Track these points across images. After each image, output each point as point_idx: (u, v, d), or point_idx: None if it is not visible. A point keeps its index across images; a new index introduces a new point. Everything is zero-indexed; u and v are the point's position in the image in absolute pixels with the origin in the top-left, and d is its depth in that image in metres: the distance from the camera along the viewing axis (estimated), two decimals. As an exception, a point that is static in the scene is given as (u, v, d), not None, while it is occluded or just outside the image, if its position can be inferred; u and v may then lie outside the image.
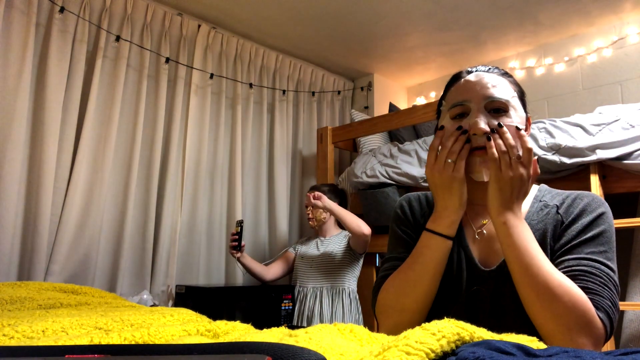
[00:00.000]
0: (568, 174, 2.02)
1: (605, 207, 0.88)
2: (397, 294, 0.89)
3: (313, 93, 3.41)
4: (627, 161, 1.86)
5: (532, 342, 0.42)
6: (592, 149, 1.91)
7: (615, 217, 1.97)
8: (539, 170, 0.83)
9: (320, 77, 3.49)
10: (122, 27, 2.45)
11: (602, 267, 0.80)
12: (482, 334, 0.40)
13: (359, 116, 3.32)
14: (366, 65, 3.51)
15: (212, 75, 2.80)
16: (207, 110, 2.76)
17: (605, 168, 1.96)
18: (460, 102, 0.91)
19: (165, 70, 2.59)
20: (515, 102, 0.91)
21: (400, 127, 2.84)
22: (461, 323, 0.40)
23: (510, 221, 0.82)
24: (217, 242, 2.76)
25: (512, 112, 0.88)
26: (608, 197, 1.99)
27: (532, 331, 0.79)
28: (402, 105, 3.81)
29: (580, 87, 2.91)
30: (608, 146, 1.88)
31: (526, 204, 0.94)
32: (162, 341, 0.54)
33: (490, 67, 0.95)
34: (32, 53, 2.12)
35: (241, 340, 0.48)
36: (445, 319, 0.41)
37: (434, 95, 3.66)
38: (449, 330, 0.37)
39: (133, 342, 0.51)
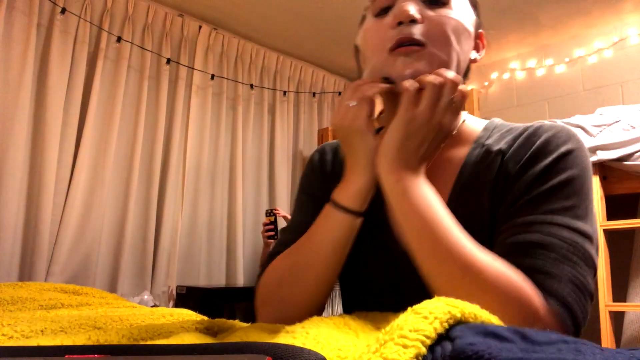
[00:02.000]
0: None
1: (576, 142, 0.61)
2: (280, 282, 0.67)
3: (314, 94, 3.41)
4: (627, 162, 1.86)
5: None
6: (593, 150, 1.91)
7: (616, 218, 1.98)
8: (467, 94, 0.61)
9: (321, 78, 3.49)
10: (123, 28, 2.46)
11: (565, 232, 0.54)
12: (473, 309, 0.39)
13: (360, 117, 3.32)
14: (367, 66, 3.51)
15: (213, 76, 2.80)
16: (208, 111, 2.77)
17: (606, 169, 1.96)
18: None
19: (166, 71, 2.60)
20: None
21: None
22: (450, 300, 0.38)
23: (407, 180, 0.58)
24: (217, 242, 2.76)
25: (454, 5, 0.65)
26: (609, 198, 1.99)
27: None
28: (403, 106, 3.81)
29: (580, 88, 2.91)
30: (609, 147, 1.88)
31: (462, 149, 0.68)
32: (161, 340, 0.54)
33: None
34: (33, 54, 2.12)
35: (239, 338, 0.48)
36: (436, 298, 0.39)
37: (434, 96, 3.66)
38: (440, 310, 0.36)
39: (132, 342, 0.51)
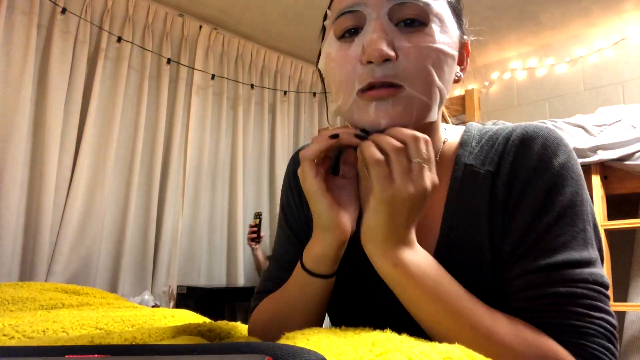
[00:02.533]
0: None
1: (565, 149, 0.56)
2: (266, 326, 0.64)
3: (314, 94, 3.41)
4: (628, 162, 1.86)
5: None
6: (594, 149, 1.91)
7: (617, 217, 1.98)
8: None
9: (322, 78, 3.48)
10: (124, 28, 2.46)
11: (584, 274, 0.51)
12: None
13: (360, 117, 3.32)
14: (367, 66, 3.51)
15: (213, 76, 2.80)
16: (208, 111, 2.77)
17: (607, 169, 1.96)
18: (349, 7, 0.56)
19: (166, 71, 2.60)
20: (441, 7, 0.55)
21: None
22: (471, 352, 0.37)
23: (404, 260, 0.52)
24: (218, 242, 2.76)
25: (434, 26, 0.54)
26: (609, 197, 1.99)
27: None
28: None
29: (581, 88, 2.91)
30: (609, 147, 1.88)
31: (443, 172, 0.60)
32: (163, 342, 0.54)
33: None
34: (34, 54, 2.12)
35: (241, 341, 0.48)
36: (456, 344, 0.38)
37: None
38: (457, 355, 0.36)
39: (134, 343, 0.51)
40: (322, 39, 0.65)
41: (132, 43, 2.47)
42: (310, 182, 0.54)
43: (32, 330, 0.62)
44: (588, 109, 2.68)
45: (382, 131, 0.53)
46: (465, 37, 0.62)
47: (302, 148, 0.67)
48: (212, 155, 2.79)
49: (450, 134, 0.65)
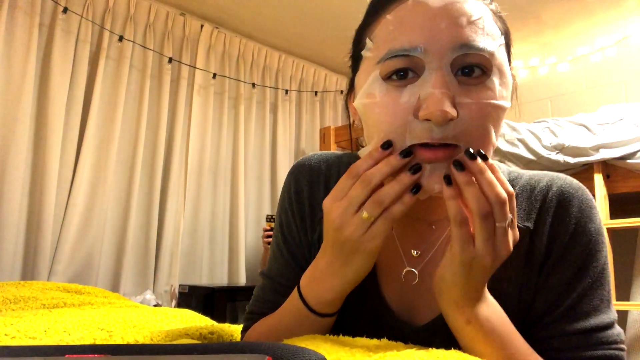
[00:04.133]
0: (572, 174, 2.01)
1: (596, 211, 0.58)
2: None
3: (316, 93, 3.41)
4: (631, 160, 1.85)
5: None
6: (596, 148, 1.90)
7: (620, 216, 1.98)
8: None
9: (323, 77, 3.48)
10: (125, 27, 2.46)
11: (614, 335, 0.56)
12: None
13: (362, 116, 3.31)
14: (369, 65, 3.51)
15: (214, 75, 2.80)
16: (209, 110, 2.77)
17: (609, 167, 1.95)
18: (405, 50, 0.48)
19: (168, 70, 2.60)
20: (501, 54, 0.51)
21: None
22: (467, 356, 0.37)
23: (478, 316, 0.50)
24: (220, 241, 2.76)
25: (495, 79, 0.49)
26: (612, 196, 1.98)
27: None
28: (405, 104, 3.80)
29: (583, 87, 2.90)
30: (612, 145, 1.88)
31: None
32: (163, 342, 0.54)
33: None
34: (35, 53, 2.12)
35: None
36: (453, 350, 0.39)
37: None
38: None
39: (135, 343, 0.51)
40: (354, 68, 0.57)
41: (133, 42, 2.47)
42: (376, 242, 0.48)
43: (33, 330, 0.62)
44: (590, 107, 2.67)
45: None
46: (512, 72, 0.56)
47: (303, 161, 0.67)
48: (213, 154, 2.79)
49: None
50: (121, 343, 0.49)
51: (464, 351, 0.50)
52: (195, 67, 2.72)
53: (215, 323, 0.67)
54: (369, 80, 0.51)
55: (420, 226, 0.60)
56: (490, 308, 0.51)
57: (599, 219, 0.58)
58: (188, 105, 2.69)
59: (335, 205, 0.49)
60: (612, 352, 0.55)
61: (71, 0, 2.28)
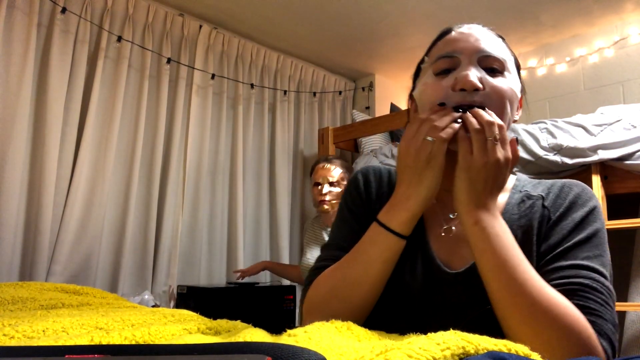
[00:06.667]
0: (569, 175, 2.02)
1: (596, 200, 0.74)
2: (329, 295, 0.72)
3: (314, 93, 3.41)
4: (628, 162, 1.86)
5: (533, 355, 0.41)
6: (594, 149, 1.90)
7: (617, 217, 1.98)
8: (519, 154, 0.70)
9: (322, 78, 3.49)
10: (124, 28, 2.46)
11: (602, 279, 0.65)
12: (487, 345, 0.39)
13: (360, 116, 3.32)
14: (367, 66, 3.51)
15: (213, 76, 2.80)
16: (208, 111, 2.77)
17: (607, 168, 1.96)
18: (448, 53, 0.74)
19: (166, 71, 2.60)
20: (512, 67, 0.76)
21: (402, 127, 2.84)
22: (467, 335, 0.38)
23: (483, 220, 0.65)
24: (218, 242, 2.76)
25: (507, 75, 0.74)
26: (610, 197, 1.99)
27: None
28: (403, 105, 3.81)
29: (581, 88, 2.91)
30: (610, 146, 1.88)
31: (504, 195, 0.78)
32: (163, 340, 0.54)
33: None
34: (33, 53, 2.12)
35: (242, 338, 0.48)
36: (451, 331, 0.40)
37: (435, 96, 3.66)
38: (454, 342, 0.37)
39: (133, 342, 0.51)
40: (416, 76, 0.83)
41: (132, 42, 2.47)
42: (442, 159, 0.68)
43: (32, 330, 0.62)
44: (588, 108, 2.68)
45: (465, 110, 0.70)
46: (523, 93, 0.82)
47: (369, 167, 0.89)
48: (212, 154, 2.79)
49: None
50: (120, 343, 0.49)
51: (470, 246, 0.66)
52: (193, 68, 2.72)
53: (212, 320, 0.67)
54: (425, 76, 0.77)
55: (449, 196, 0.75)
56: (497, 221, 0.66)
57: (599, 205, 0.74)
58: (187, 106, 2.69)
59: (407, 141, 0.70)
60: (598, 286, 0.64)
61: (70, 1, 2.28)
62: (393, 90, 3.78)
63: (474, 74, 0.70)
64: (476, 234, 0.65)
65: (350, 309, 0.70)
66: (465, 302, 0.70)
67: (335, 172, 2.17)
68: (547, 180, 0.80)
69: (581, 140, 1.93)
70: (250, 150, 2.97)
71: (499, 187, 0.67)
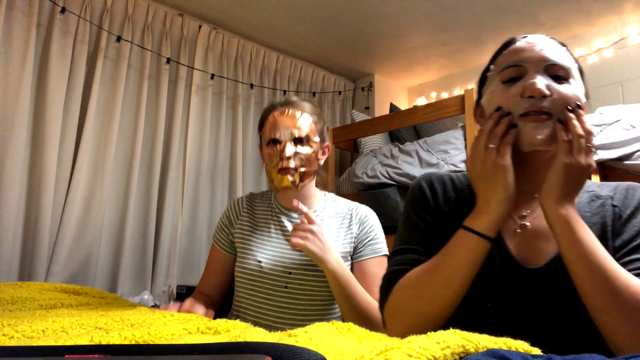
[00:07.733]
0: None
1: None
2: (417, 297, 0.76)
3: (314, 93, 3.41)
4: (628, 162, 1.86)
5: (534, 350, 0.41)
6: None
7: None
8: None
9: (321, 78, 3.49)
10: (123, 28, 2.46)
11: None
12: (487, 343, 0.39)
13: (360, 116, 3.32)
14: (367, 66, 3.51)
15: (213, 76, 2.80)
16: (208, 111, 2.77)
17: (606, 168, 1.96)
18: (515, 62, 0.79)
19: (166, 71, 2.60)
20: (576, 73, 0.80)
21: (401, 128, 2.84)
22: (466, 334, 0.39)
23: (572, 215, 0.71)
24: (217, 242, 2.76)
25: (572, 82, 0.78)
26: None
27: (586, 343, 0.70)
28: (403, 105, 3.81)
29: (581, 88, 2.91)
30: (609, 147, 1.88)
31: None
32: (163, 340, 0.54)
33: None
34: (33, 53, 2.12)
35: (242, 338, 0.48)
36: (451, 330, 0.40)
37: (434, 96, 3.66)
38: (454, 341, 0.37)
39: (133, 342, 0.51)
40: (481, 84, 0.89)
41: (131, 42, 2.47)
42: (509, 160, 0.75)
43: (31, 330, 0.62)
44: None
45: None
46: (587, 98, 0.83)
47: (430, 174, 0.92)
48: (211, 154, 2.79)
49: None
50: (120, 343, 0.49)
51: (557, 237, 0.71)
52: (193, 68, 2.72)
53: (212, 319, 0.67)
54: (493, 84, 0.83)
55: (526, 197, 0.83)
56: (579, 217, 0.71)
57: None
58: (186, 106, 2.69)
59: (472, 155, 0.77)
60: None
61: (69, 1, 2.27)
62: (393, 91, 3.79)
63: (542, 82, 0.75)
64: (565, 226, 0.70)
65: (439, 309, 0.75)
66: (546, 296, 0.74)
67: (303, 121, 1.26)
68: (609, 183, 0.86)
69: (580, 141, 1.94)
70: (249, 150, 2.97)
71: (581, 188, 0.74)
